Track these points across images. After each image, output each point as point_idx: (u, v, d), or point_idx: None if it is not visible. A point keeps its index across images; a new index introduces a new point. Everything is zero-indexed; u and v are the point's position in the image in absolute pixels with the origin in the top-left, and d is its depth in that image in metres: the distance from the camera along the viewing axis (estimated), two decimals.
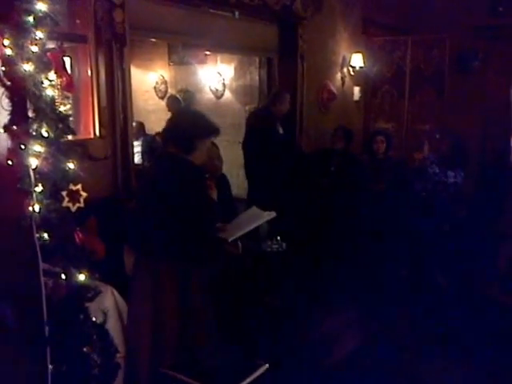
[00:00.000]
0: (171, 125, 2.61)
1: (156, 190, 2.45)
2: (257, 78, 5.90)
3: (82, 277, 2.04)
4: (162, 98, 6.91)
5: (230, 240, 2.81)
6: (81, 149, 3.31)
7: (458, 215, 4.75)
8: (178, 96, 6.49)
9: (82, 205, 2.06)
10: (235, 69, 6.27)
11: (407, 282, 4.31)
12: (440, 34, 6.26)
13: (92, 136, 3.58)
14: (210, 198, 2.59)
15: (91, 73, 3.54)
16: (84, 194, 2.08)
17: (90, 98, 3.58)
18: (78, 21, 3.45)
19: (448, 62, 6.23)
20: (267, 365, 2.38)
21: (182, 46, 6.17)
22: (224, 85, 6.36)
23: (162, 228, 2.40)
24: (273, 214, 3.01)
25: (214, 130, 2.59)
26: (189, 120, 2.58)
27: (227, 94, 6.38)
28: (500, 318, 3.74)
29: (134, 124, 5.26)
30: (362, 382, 3.12)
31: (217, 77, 6.39)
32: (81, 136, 3.50)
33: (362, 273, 4.27)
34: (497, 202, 5.62)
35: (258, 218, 3.01)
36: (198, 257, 2.48)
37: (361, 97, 6.45)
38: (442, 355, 3.36)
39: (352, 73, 6.13)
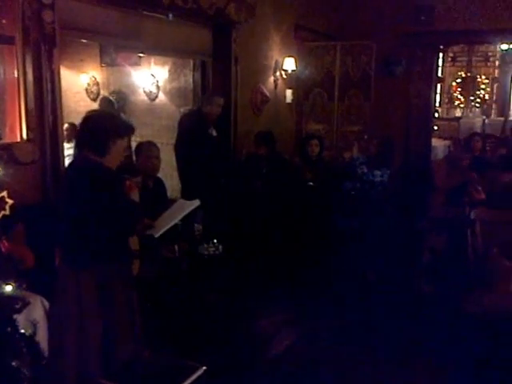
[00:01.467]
0: (83, 128, 2.55)
1: (70, 194, 2.42)
2: (191, 80, 5.90)
3: (8, 288, 1.98)
4: (94, 99, 6.75)
5: (156, 235, 2.87)
6: (6, 153, 3.22)
7: (385, 212, 4.98)
8: (110, 98, 6.38)
9: (7, 212, 2.01)
10: (169, 71, 6.24)
11: (340, 279, 4.46)
12: (367, 41, 6.56)
13: (18, 139, 3.45)
14: (129, 199, 2.57)
15: (18, 74, 3.42)
16: (10, 201, 2.03)
17: (17, 100, 3.46)
18: (4, 21, 3.33)
19: (374, 67, 6.53)
20: (204, 367, 2.40)
21: (114, 47, 6.06)
22: (158, 87, 6.31)
23: (78, 231, 2.37)
24: (197, 203, 3.11)
25: (126, 130, 2.56)
26: (100, 121, 2.53)
27: (161, 96, 6.34)
28: (425, 309, 3.95)
29: (65, 126, 5.16)
30: (299, 379, 3.21)
31: (150, 79, 6.33)
32: (6, 140, 3.38)
33: (296, 271, 4.39)
34: (420, 199, 5.96)
35: (183, 208, 3.11)
36: (115, 257, 2.48)
37: (293, 99, 6.61)
38: (370, 349, 3.51)
39: (284, 76, 6.28)
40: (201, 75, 5.66)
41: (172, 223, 3.00)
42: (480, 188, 4.30)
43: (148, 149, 3.69)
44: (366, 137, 6.24)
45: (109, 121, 2.54)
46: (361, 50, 6.54)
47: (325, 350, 3.48)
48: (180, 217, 3.07)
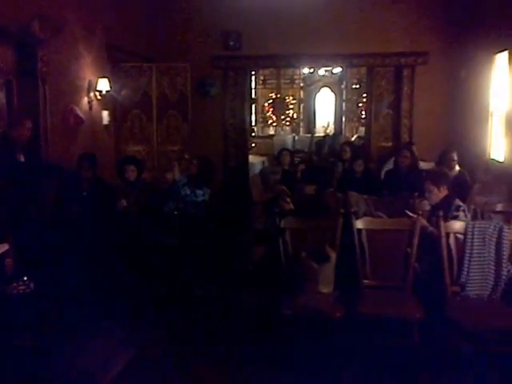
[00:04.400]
0: None
1: None
2: None
3: None
4: None
5: None
6: None
7: (208, 229, 5.17)
8: None
9: None
10: None
11: (167, 295, 4.51)
12: (182, 63, 6.77)
13: None
14: None
15: None
16: None
17: None
18: None
19: (191, 88, 6.78)
20: None
21: None
22: None
23: None
24: (5, 247, 2.90)
25: None
26: None
27: None
28: (246, 315, 4.21)
29: None
30: None
31: None
32: None
33: (122, 290, 4.30)
34: (241, 213, 6.31)
35: None
36: None
37: (110, 121, 6.49)
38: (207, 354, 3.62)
39: (99, 97, 6.12)
40: (6, 96, 5.21)
41: None
42: (289, 199, 4.72)
43: None
44: (186, 156, 6.41)
45: None
46: (176, 72, 6.74)
47: (162, 368, 3.46)
48: None
